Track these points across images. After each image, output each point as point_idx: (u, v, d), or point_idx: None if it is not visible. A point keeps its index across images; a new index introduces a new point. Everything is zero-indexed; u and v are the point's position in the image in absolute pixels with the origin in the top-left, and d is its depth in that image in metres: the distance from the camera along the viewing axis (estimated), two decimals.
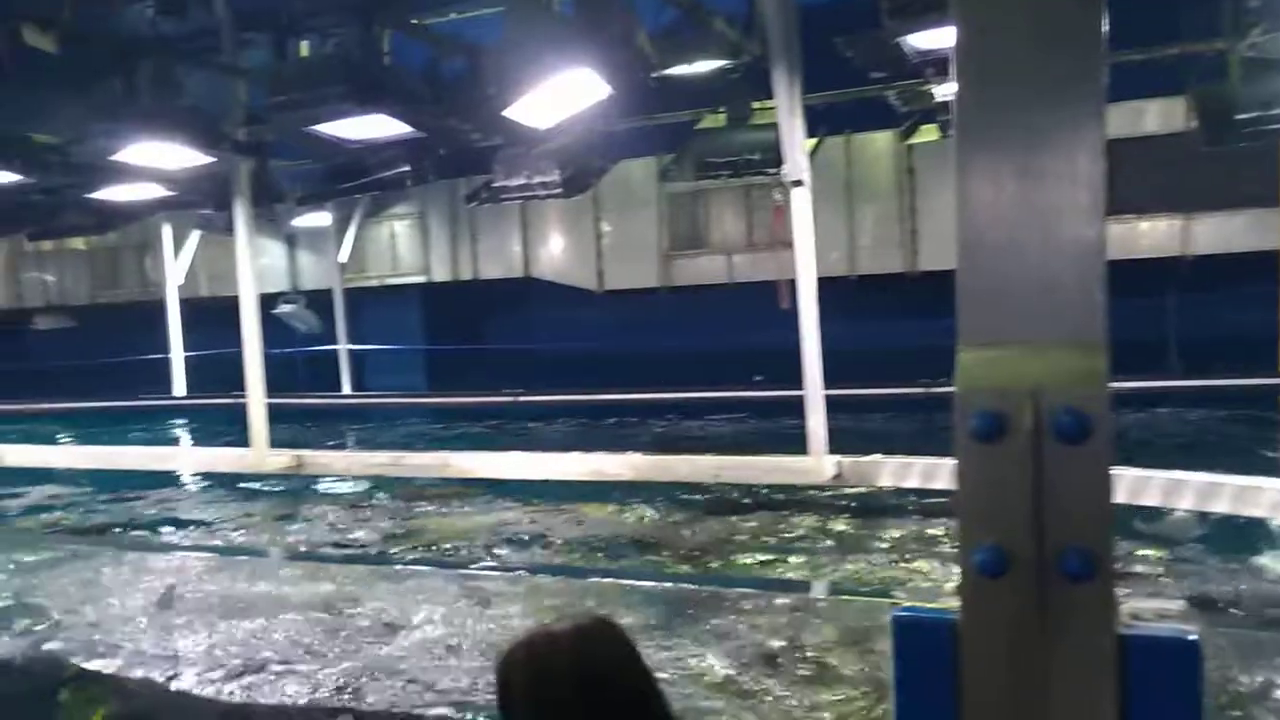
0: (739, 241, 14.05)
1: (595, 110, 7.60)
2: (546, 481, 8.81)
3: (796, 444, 8.16)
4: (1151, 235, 11.94)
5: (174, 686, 4.32)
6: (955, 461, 1.22)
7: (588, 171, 10.16)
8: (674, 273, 14.53)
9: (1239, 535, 6.50)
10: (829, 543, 7.31)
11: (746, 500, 8.70)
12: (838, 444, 8.10)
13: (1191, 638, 1.16)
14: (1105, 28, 1.20)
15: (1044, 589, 1.15)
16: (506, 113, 6.66)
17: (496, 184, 9.89)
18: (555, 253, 15.33)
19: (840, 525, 7.80)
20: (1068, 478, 1.15)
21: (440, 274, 15.96)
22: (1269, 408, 11.12)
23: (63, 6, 6.95)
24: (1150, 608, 3.69)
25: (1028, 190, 1.19)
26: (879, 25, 6.26)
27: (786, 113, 7.73)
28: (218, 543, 7.88)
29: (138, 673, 4.50)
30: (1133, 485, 7.15)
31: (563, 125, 7.64)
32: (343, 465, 9.26)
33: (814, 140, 9.69)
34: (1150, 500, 6.96)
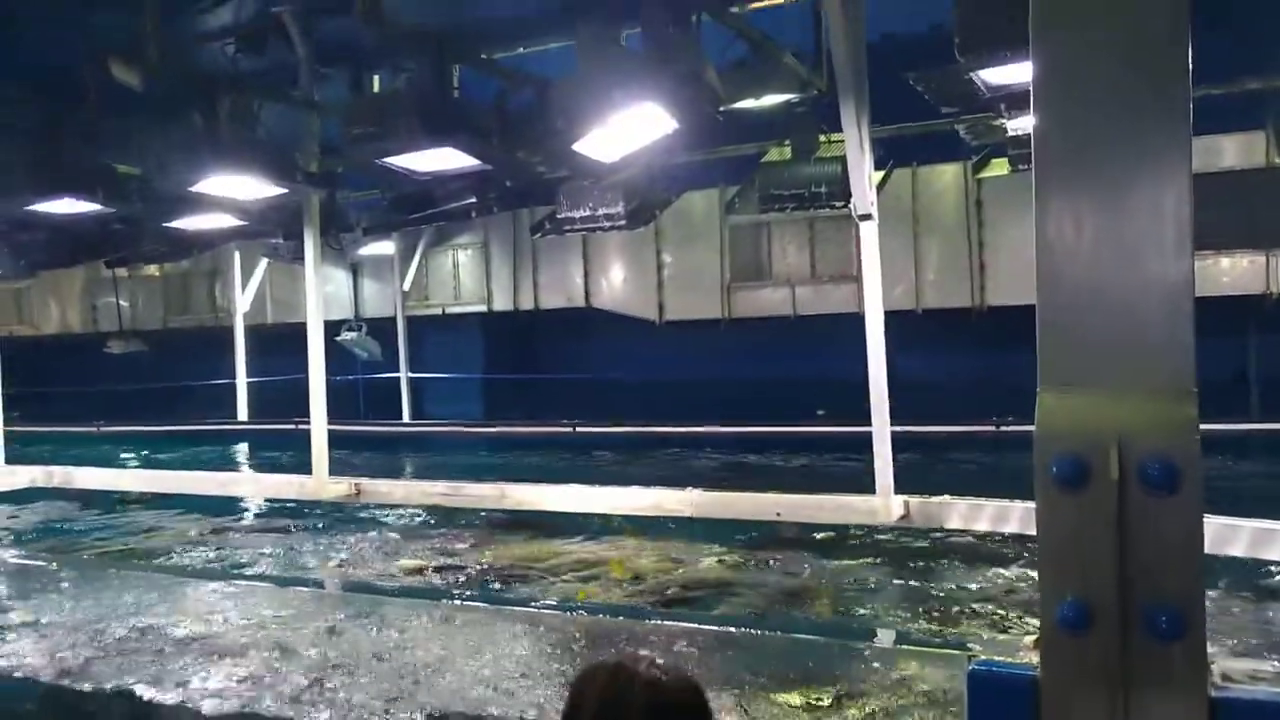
0: (802, 273, 13.93)
1: (661, 144, 7.61)
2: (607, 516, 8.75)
3: (858, 481, 7.98)
4: (1233, 272, 11.54)
5: None
6: (1035, 507, 1.17)
7: (651, 203, 10.20)
8: (735, 304, 14.45)
9: None
10: (904, 587, 7.09)
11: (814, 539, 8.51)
12: (904, 482, 7.90)
13: None
14: (1190, 61, 1.19)
15: (1129, 646, 1.11)
16: (575, 147, 6.68)
17: (561, 215, 9.96)
18: (616, 283, 15.37)
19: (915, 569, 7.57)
20: (1156, 530, 1.10)
21: (501, 303, 16.11)
22: None
23: (148, 43, 7.19)
24: (1241, 668, 3.46)
25: (1110, 227, 1.16)
26: (952, 60, 6.15)
27: (855, 147, 7.62)
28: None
29: None
30: (1218, 534, 6.86)
31: (628, 159, 7.66)
32: (402, 494, 9.30)
33: (881, 173, 9.59)
34: (1237, 550, 6.65)
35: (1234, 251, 11.52)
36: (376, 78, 9.34)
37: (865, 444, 7.84)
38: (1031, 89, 1.21)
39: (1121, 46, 1.16)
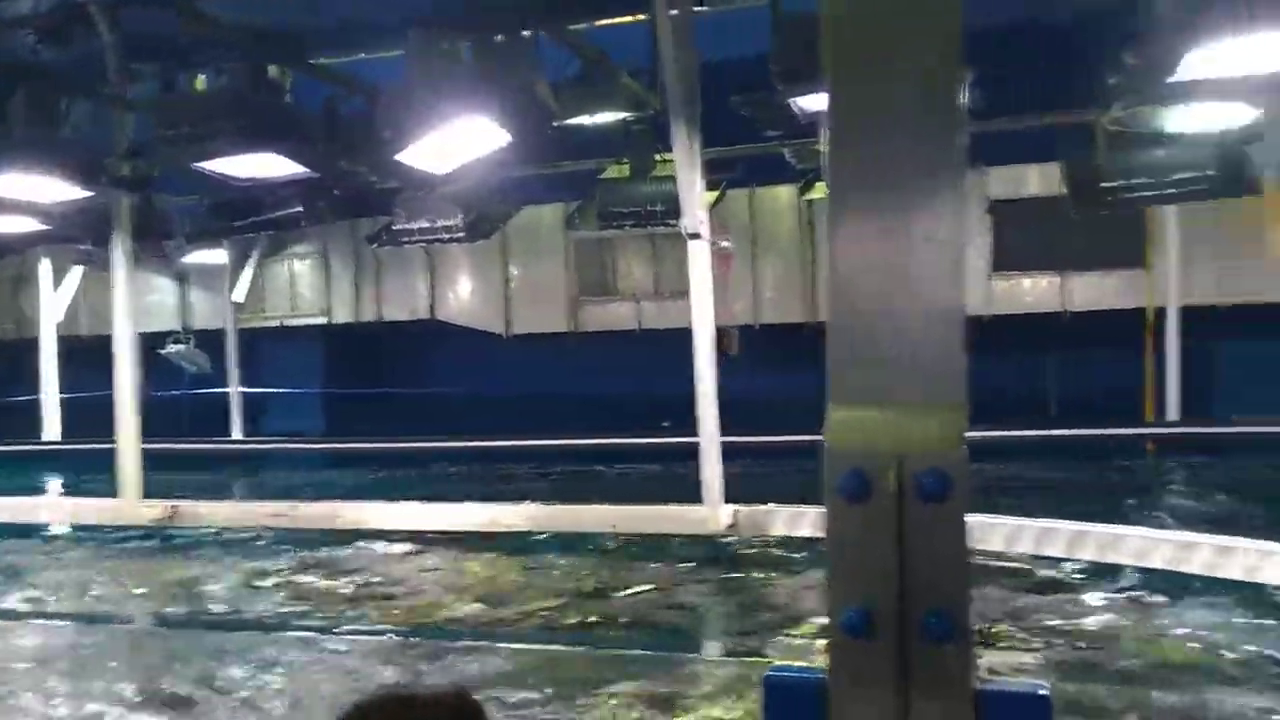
0: (647, 288, 14.16)
1: (496, 157, 7.60)
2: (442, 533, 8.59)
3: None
4: (1033, 292, 12.51)
5: None
6: (825, 520, 1.22)
7: (491, 216, 10.14)
8: (583, 318, 14.54)
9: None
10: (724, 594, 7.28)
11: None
12: (742, 490, 8.15)
13: (1042, 692, 1.19)
14: (964, 101, 1.25)
15: (906, 649, 1.17)
16: (401, 156, 6.58)
17: (398, 227, 9.76)
18: (462, 296, 15.18)
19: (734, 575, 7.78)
20: (929, 538, 1.17)
21: (342, 315, 15.60)
22: (1136, 456, 11.70)
23: None
24: (1007, 663, 3.77)
25: (893, 254, 1.22)
26: (773, 86, 6.44)
27: (685, 166, 7.86)
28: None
29: None
30: (1010, 534, 7.42)
31: (462, 170, 7.61)
32: (225, 516, 8.85)
33: (715, 192, 9.88)
34: (1023, 548, 7.21)
35: (1034, 273, 12.48)
36: (202, 77, 8.89)
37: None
38: (827, 121, 1.27)
39: (904, 86, 1.22)
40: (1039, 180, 11.92)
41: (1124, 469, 11.23)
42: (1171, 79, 6.12)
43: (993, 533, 7.26)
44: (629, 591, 7.02)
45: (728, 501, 8.30)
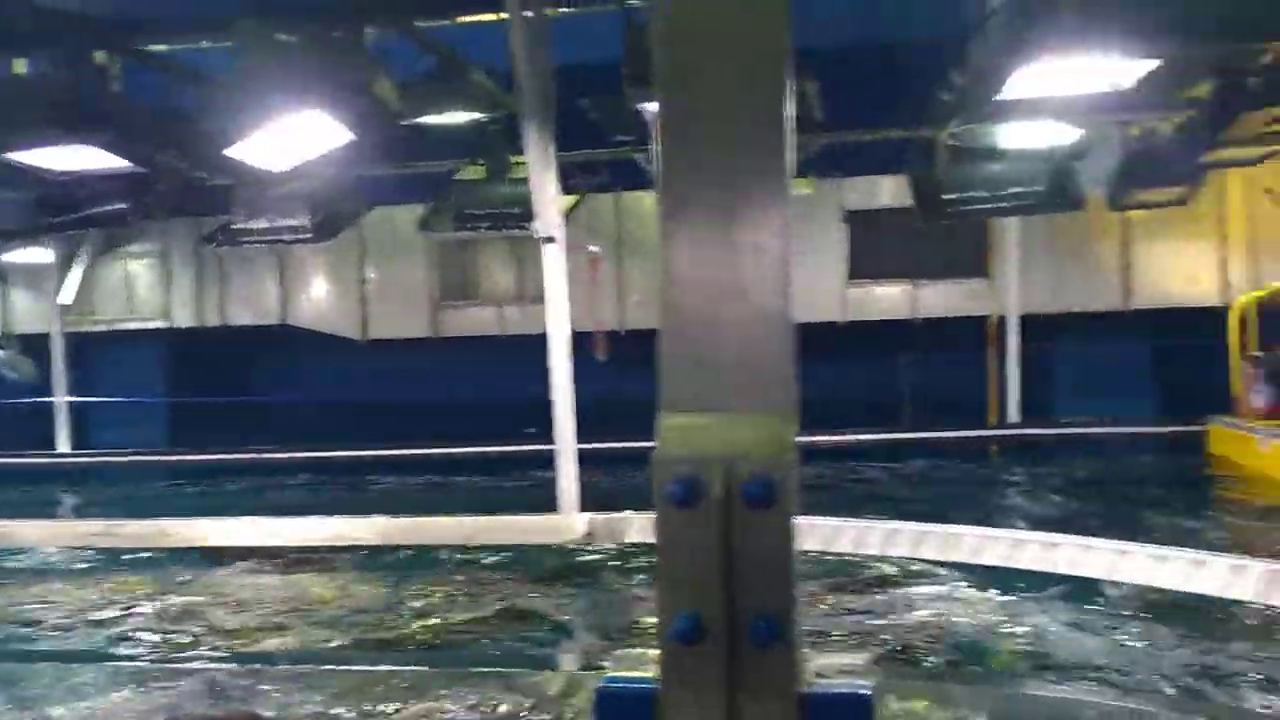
0: (510, 293, 13.94)
1: (338, 154, 7.28)
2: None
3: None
4: (887, 299, 12.95)
5: None
6: (654, 527, 1.21)
7: (340, 216, 9.72)
8: (444, 323, 14.18)
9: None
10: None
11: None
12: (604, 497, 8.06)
13: (864, 692, 1.22)
14: (790, 114, 1.26)
15: (734, 654, 1.17)
16: (231, 152, 6.20)
17: (237, 226, 9.24)
18: (315, 299, 14.55)
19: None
20: (755, 544, 1.17)
21: (184, 319, 14.71)
22: (981, 456, 12.27)
23: None
24: (836, 664, 3.80)
25: (722, 263, 1.23)
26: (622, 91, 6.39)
27: (539, 169, 7.72)
28: None
29: None
30: (857, 535, 7.61)
31: (302, 168, 7.24)
32: (38, 536, 8.14)
33: (574, 196, 9.78)
34: (872, 550, 7.41)
35: (888, 281, 12.93)
36: (25, 63, 8.16)
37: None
38: (659, 131, 1.28)
39: (731, 98, 1.24)
40: (891, 192, 12.34)
41: (969, 469, 11.73)
42: (998, 98, 6.40)
43: (841, 534, 7.43)
44: (475, 604, 6.81)
45: (585, 509, 8.20)
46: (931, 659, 5.20)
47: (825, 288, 12.84)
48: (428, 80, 7.86)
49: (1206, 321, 11.93)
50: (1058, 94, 6.32)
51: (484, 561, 8.22)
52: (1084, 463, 11.47)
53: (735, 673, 1.17)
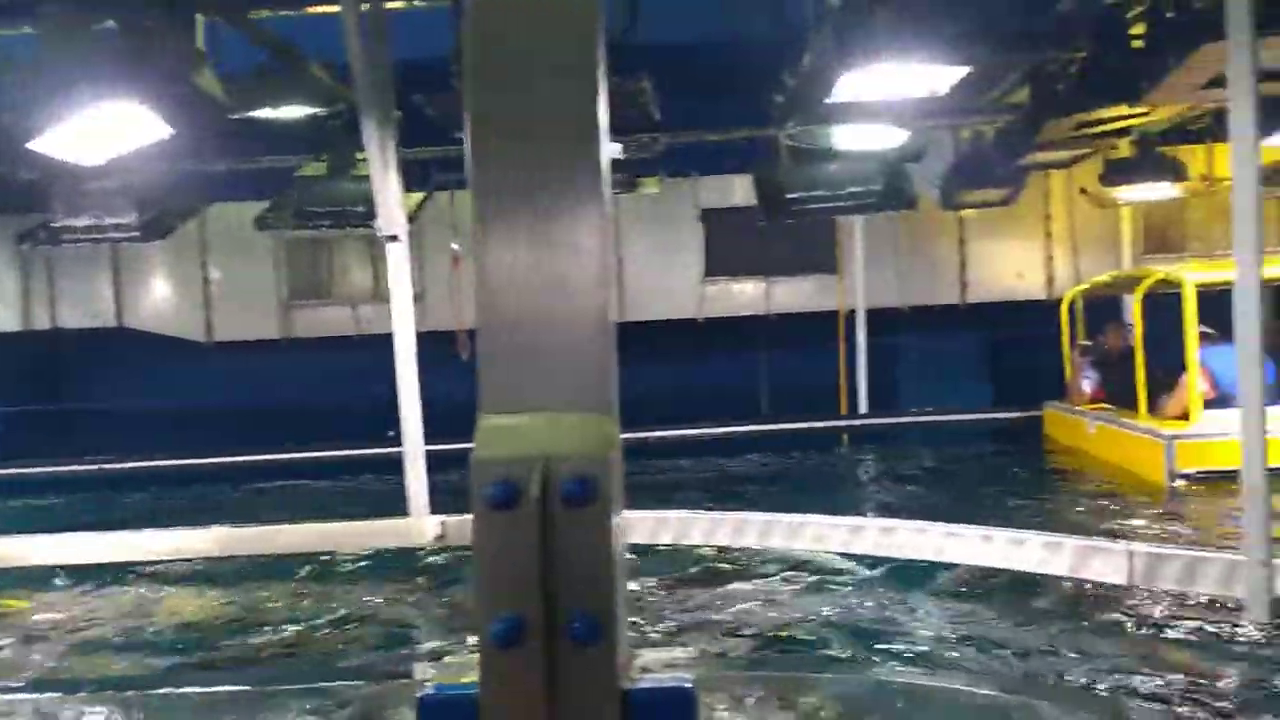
0: (365, 292, 13.57)
1: (164, 149, 6.91)
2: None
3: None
4: (742, 295, 13.27)
5: None
6: (472, 530, 1.21)
7: (172, 213, 9.24)
8: (295, 323, 13.68)
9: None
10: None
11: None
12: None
13: (686, 686, 1.23)
14: (603, 113, 1.26)
15: (554, 657, 1.16)
16: (35, 145, 5.80)
17: (57, 224, 8.65)
18: (155, 300, 13.79)
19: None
20: (574, 543, 1.16)
21: (8, 322, 13.69)
22: (833, 446, 12.72)
23: None
24: (661, 659, 3.87)
25: (540, 261, 1.21)
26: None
27: (379, 166, 7.53)
28: None
29: None
30: (708, 526, 7.77)
31: (121, 162, 6.85)
32: None
33: (421, 194, 9.60)
34: (722, 540, 7.58)
35: (743, 278, 13.25)
36: None
37: (432, 463, 7.75)
38: (468, 128, 1.24)
39: (543, 96, 1.23)
40: (745, 191, 12.60)
41: (823, 458, 12.15)
42: (828, 100, 6.64)
43: (692, 526, 7.56)
44: (318, 614, 6.62)
45: (438, 511, 8.08)
46: (762, 648, 5.36)
47: (682, 285, 13.06)
48: (258, 73, 7.56)
49: (1035, 313, 12.75)
50: (882, 98, 6.60)
51: (335, 570, 8.01)
52: (929, 448, 12.06)
53: (556, 674, 1.17)
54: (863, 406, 12.94)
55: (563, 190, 1.23)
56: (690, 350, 13.06)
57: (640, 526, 7.22)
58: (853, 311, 12.95)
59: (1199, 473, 8.02)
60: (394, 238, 7.67)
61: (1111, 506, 8.23)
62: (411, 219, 8.77)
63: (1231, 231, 4.19)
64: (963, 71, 6.10)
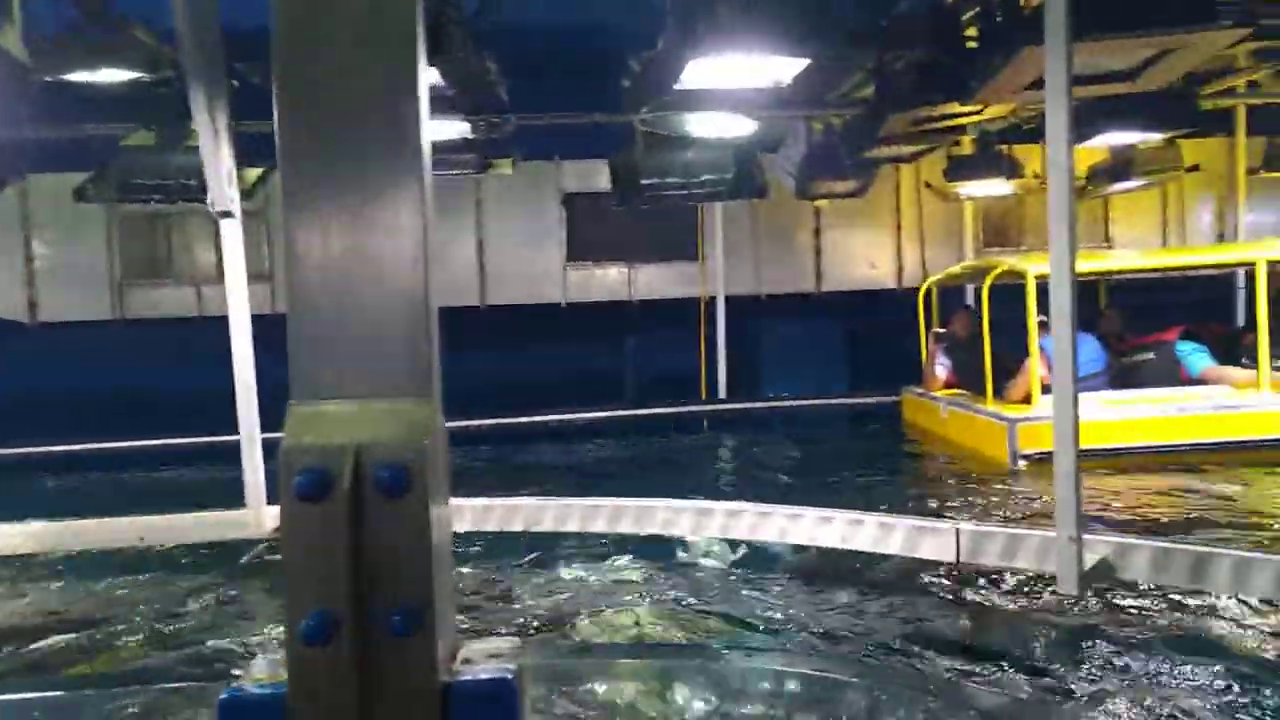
0: (209, 271, 12.88)
1: None
2: None
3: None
4: (606, 281, 13.27)
5: None
6: (280, 523, 1.17)
7: None
8: (131, 304, 12.88)
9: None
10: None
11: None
12: None
13: (508, 676, 1.21)
14: (424, 93, 1.19)
15: (368, 651, 1.12)
16: None
17: None
18: None
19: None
20: (389, 534, 1.12)
21: None
22: (694, 431, 12.90)
23: None
24: (484, 649, 3.80)
25: (355, 244, 1.17)
26: None
27: (209, 137, 7.09)
28: None
29: None
30: (559, 512, 7.72)
31: None
32: None
33: (260, 170, 9.15)
34: (572, 526, 7.55)
35: (606, 263, 13.25)
36: None
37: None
38: (276, 102, 1.19)
39: (358, 71, 1.18)
40: (607, 175, 12.61)
41: (681, 444, 12.29)
42: (677, 87, 6.66)
43: (543, 512, 7.48)
44: (129, 614, 6.24)
45: (276, 502, 7.73)
46: (596, 635, 5.36)
47: (545, 270, 12.96)
48: (73, 33, 7.01)
49: (888, 302, 13.25)
50: (727, 86, 6.66)
51: (165, 565, 7.58)
52: (790, 433, 12.38)
53: (369, 670, 1.13)
54: (721, 392, 13.17)
55: (377, 169, 1.18)
56: (556, 336, 12.99)
57: (490, 515, 7.11)
58: (713, 298, 13.14)
59: (1039, 454, 8.41)
60: (227, 214, 7.27)
61: (958, 486, 8.61)
62: (248, 195, 8.37)
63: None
64: (803, 64, 6.21)
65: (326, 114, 1.19)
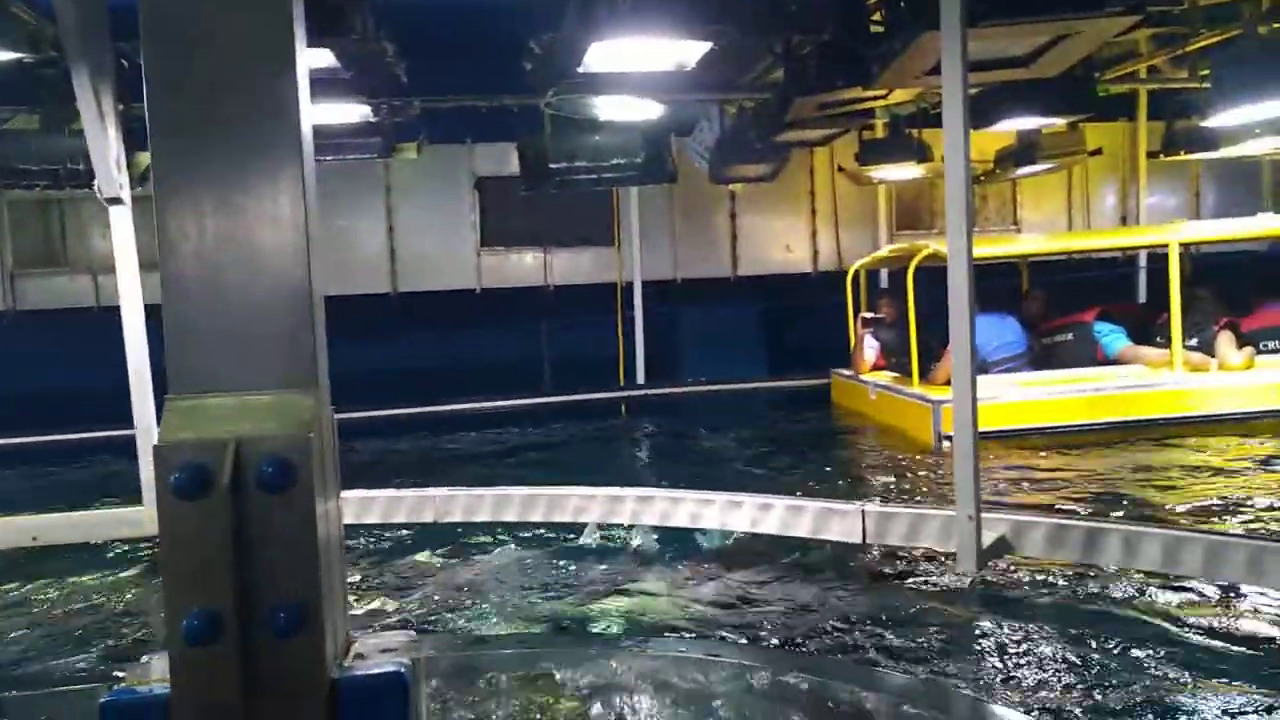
0: (107, 260, 12.33)
1: None
2: None
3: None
4: (521, 267, 13.15)
5: None
6: (158, 521, 1.14)
7: None
8: (22, 294, 12.29)
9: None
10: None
11: None
12: None
13: (400, 669, 1.19)
14: (303, 75, 1.15)
15: (254, 650, 1.10)
16: None
17: None
18: None
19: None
20: (273, 530, 1.10)
21: None
22: (613, 417, 12.91)
23: None
24: (378, 644, 3.74)
25: (232, 233, 1.14)
26: None
27: (95, 121, 6.79)
28: None
29: None
30: (469, 503, 7.64)
31: None
32: None
33: (146, 153, 8.78)
34: (483, 517, 7.48)
35: (520, 248, 13.13)
36: None
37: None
38: (146, 86, 1.15)
39: (231, 54, 1.14)
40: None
41: (605, 428, 12.28)
42: (580, 70, 6.59)
43: (452, 503, 7.39)
44: (11, 618, 5.97)
45: None
46: (497, 626, 5.33)
47: (458, 255, 12.78)
48: None
49: (804, 286, 13.42)
50: (629, 69, 6.62)
51: (58, 565, 7.27)
52: (713, 418, 12.43)
53: (254, 670, 1.11)
54: (640, 377, 13.19)
55: (255, 156, 1.14)
56: (470, 322, 12.82)
57: (398, 506, 7.00)
58: (630, 283, 13.14)
59: None
60: (117, 200, 6.97)
61: (881, 466, 8.77)
62: (142, 179, 8.03)
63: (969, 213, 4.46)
64: (705, 47, 6.20)
65: (197, 88, 1.15)
